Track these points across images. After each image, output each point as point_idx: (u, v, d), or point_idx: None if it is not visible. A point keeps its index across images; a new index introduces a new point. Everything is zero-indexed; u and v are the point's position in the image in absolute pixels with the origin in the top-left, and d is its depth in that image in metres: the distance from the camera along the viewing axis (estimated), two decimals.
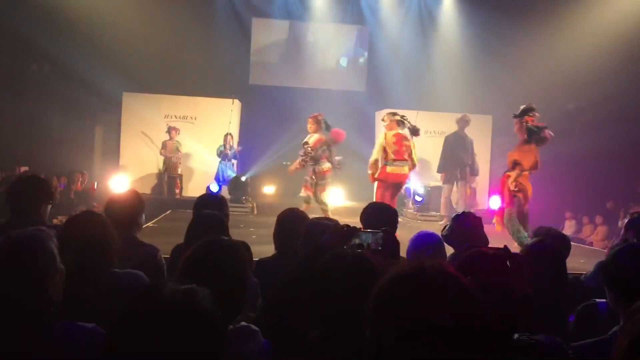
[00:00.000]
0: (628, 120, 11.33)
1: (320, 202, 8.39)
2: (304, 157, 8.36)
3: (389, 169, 7.93)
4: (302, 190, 8.51)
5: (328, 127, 8.58)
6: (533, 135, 6.98)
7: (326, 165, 8.40)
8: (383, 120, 8.33)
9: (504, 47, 13.01)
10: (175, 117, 13.03)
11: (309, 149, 8.33)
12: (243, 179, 11.74)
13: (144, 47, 12.91)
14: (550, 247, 2.62)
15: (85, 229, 2.50)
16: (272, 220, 3.56)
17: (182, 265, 1.92)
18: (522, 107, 7.12)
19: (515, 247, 4.49)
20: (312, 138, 8.46)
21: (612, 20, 11.43)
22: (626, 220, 3.79)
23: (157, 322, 1.09)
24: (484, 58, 13.24)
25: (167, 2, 13.52)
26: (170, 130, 12.41)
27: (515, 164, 7.15)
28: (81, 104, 13.02)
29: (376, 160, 8.02)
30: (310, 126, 8.57)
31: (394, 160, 7.87)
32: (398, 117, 8.11)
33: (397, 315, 1.06)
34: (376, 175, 8.01)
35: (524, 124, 7.08)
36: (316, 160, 8.35)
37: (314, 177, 8.36)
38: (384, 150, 7.94)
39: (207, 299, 1.17)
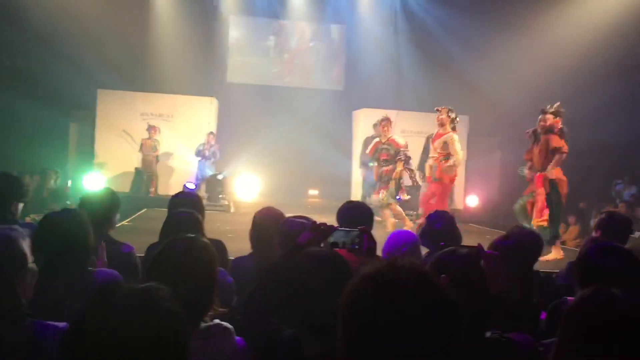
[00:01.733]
0: (601, 120, 11.53)
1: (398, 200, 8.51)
2: (405, 160, 8.50)
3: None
4: (383, 194, 8.48)
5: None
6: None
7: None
8: (441, 112, 7.97)
9: (480, 47, 13.16)
10: (152, 114, 12.91)
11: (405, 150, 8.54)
12: (220, 177, 11.68)
13: (120, 44, 12.78)
14: (514, 243, 2.65)
15: (61, 227, 2.47)
16: (249, 218, 3.55)
17: (149, 264, 1.91)
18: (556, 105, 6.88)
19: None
20: (401, 140, 8.66)
21: (586, 22, 11.63)
22: (596, 220, 3.86)
23: (112, 322, 1.07)
24: (460, 58, 13.37)
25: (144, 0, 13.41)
26: (150, 129, 12.29)
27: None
28: (55, 100, 12.80)
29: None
30: (385, 129, 8.74)
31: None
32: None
33: (367, 314, 1.06)
34: (444, 176, 7.77)
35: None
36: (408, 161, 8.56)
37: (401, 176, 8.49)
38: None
39: (167, 297, 1.15)
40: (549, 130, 6.62)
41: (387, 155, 8.63)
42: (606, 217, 3.77)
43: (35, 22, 11.65)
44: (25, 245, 1.85)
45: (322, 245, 2.28)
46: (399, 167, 8.44)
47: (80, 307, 1.15)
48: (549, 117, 6.66)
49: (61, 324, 1.82)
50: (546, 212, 6.56)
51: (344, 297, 1.12)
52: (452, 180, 7.88)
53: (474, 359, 1.58)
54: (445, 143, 7.71)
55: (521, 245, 2.68)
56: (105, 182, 11.67)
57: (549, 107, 6.74)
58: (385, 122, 8.70)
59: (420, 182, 8.48)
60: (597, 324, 1.36)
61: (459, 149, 7.72)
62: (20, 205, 3.56)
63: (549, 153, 6.58)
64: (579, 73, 11.55)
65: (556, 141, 6.60)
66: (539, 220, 6.53)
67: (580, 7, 11.97)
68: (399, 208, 8.32)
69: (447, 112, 7.79)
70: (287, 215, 3.46)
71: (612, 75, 11.44)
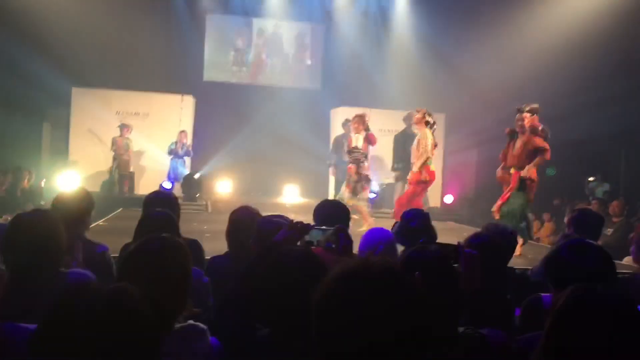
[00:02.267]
0: (573, 118, 11.70)
1: (362, 200, 8.39)
2: (359, 159, 8.37)
3: (432, 167, 7.86)
4: (346, 191, 8.39)
5: (368, 129, 8.65)
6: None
7: (367, 164, 8.52)
8: (417, 116, 7.91)
9: (456, 45, 13.26)
10: (127, 113, 12.77)
11: (359, 152, 8.40)
12: (196, 176, 11.61)
13: (95, 42, 12.62)
14: (488, 240, 2.69)
15: (33, 227, 2.42)
16: (226, 217, 3.53)
17: (121, 264, 1.89)
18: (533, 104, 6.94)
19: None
20: (359, 140, 8.49)
21: (556, 24, 11.81)
22: (569, 217, 3.92)
23: (79, 322, 1.06)
24: (437, 56, 13.46)
25: None
26: (122, 127, 12.15)
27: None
28: (27, 99, 12.58)
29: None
30: (355, 126, 8.56)
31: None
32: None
33: (340, 312, 1.06)
34: (425, 175, 7.72)
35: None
36: (364, 160, 8.47)
37: (356, 178, 8.38)
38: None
39: (135, 298, 1.14)
40: (533, 130, 6.69)
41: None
42: (578, 214, 3.83)
43: (6, 19, 11.43)
44: None
45: (298, 244, 2.28)
46: (351, 166, 8.47)
47: (48, 307, 1.13)
48: (526, 115, 6.73)
49: (32, 326, 1.78)
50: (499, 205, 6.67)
51: (317, 295, 1.12)
52: (431, 176, 7.86)
53: (447, 354, 1.59)
54: (418, 142, 7.75)
55: (495, 241, 2.71)
56: (79, 181, 11.52)
57: (524, 106, 6.81)
58: (356, 119, 8.65)
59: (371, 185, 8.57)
60: (586, 322, 1.38)
61: (430, 144, 7.69)
62: None
63: (531, 152, 6.64)
64: (554, 71, 11.70)
65: (540, 142, 6.69)
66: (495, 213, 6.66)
67: (556, 6, 12.13)
68: (361, 207, 8.28)
69: (424, 114, 7.79)
70: (264, 214, 3.45)
71: (586, 73, 11.61)
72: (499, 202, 6.77)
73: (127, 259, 1.86)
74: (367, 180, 8.48)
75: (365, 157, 8.49)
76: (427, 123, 7.80)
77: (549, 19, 12.03)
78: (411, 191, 7.79)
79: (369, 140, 8.58)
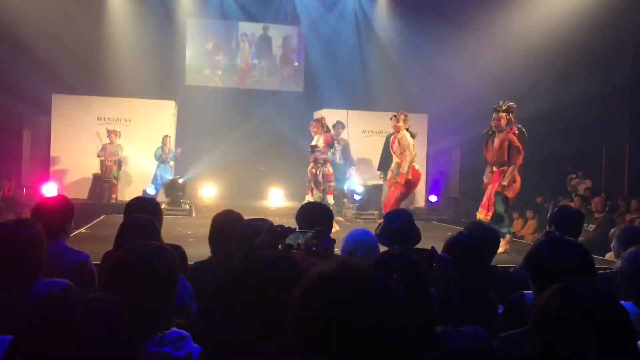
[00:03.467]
0: (554, 116, 11.83)
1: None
2: (318, 160, 8.42)
3: (417, 167, 7.88)
4: (309, 196, 8.47)
5: (328, 130, 8.77)
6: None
7: (330, 168, 8.58)
8: (398, 119, 7.86)
9: (439, 46, 13.33)
10: (109, 119, 12.68)
11: (319, 151, 8.44)
12: (180, 181, 11.55)
13: (75, 47, 12.50)
14: (471, 239, 2.71)
15: (13, 236, 2.39)
16: (210, 222, 3.52)
17: (105, 272, 1.87)
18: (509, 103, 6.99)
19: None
20: (320, 140, 8.54)
21: (536, 22, 11.93)
22: (550, 214, 3.96)
23: (59, 332, 1.05)
24: (419, 56, 13.52)
25: (98, 1, 13.16)
26: (110, 133, 12.05)
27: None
28: (6, 106, 12.43)
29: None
30: (315, 130, 8.68)
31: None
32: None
33: (316, 315, 1.06)
34: (410, 176, 7.71)
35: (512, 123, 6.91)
36: (324, 163, 8.48)
37: (320, 181, 8.46)
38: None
39: (115, 306, 1.13)
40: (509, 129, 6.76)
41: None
42: (558, 211, 3.87)
43: None
44: None
45: (279, 247, 2.28)
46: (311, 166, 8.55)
47: (26, 317, 1.12)
48: (502, 115, 6.79)
49: (8, 337, 1.76)
50: (492, 210, 6.71)
51: (294, 298, 1.12)
52: (417, 176, 7.88)
53: (425, 355, 1.60)
54: (399, 143, 7.78)
55: (477, 240, 2.73)
56: (62, 189, 11.39)
57: (501, 104, 6.87)
58: (314, 123, 8.80)
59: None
60: (568, 320, 1.40)
61: (412, 144, 7.73)
62: None
63: (509, 149, 6.69)
64: (534, 68, 11.82)
65: (516, 141, 6.76)
66: (483, 216, 6.68)
67: (536, 4, 12.24)
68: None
69: (404, 119, 7.79)
70: (248, 217, 3.44)
71: (566, 70, 11.74)
72: (487, 213, 6.75)
73: (111, 266, 1.84)
74: (329, 181, 8.53)
75: (324, 161, 8.53)
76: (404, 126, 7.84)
77: (529, 16, 12.14)
78: (399, 192, 7.78)
79: (326, 140, 8.65)
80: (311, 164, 8.58)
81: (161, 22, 14.12)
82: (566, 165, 12.96)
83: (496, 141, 6.82)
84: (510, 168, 6.69)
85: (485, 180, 6.97)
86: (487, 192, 6.81)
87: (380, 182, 11.16)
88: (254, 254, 1.94)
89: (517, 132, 6.84)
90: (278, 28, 15.44)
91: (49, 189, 10.92)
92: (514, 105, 6.90)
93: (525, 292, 2.70)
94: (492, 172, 6.91)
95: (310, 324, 1.06)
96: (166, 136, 12.05)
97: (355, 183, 11.40)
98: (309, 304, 1.08)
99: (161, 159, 11.96)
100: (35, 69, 11.80)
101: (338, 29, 15.02)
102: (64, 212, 3.26)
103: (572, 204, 9.04)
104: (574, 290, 1.46)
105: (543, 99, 11.65)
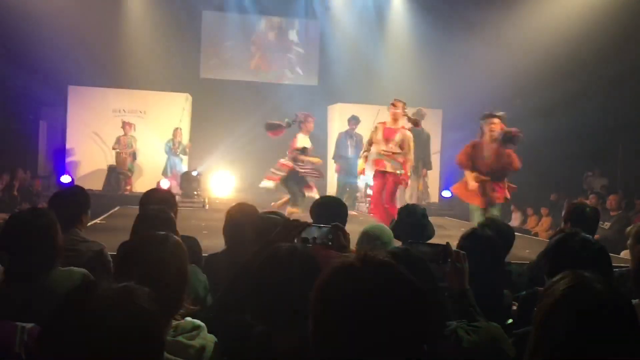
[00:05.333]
0: (572, 112, 11.71)
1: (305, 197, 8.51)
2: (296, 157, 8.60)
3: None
4: (268, 181, 8.54)
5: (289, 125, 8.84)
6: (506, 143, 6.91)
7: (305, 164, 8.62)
8: (396, 107, 7.66)
9: (454, 41, 13.24)
10: (124, 110, 12.76)
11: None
12: (194, 173, 11.60)
13: (91, 40, 12.56)
14: (485, 235, 2.69)
15: (28, 226, 2.42)
16: (224, 215, 3.53)
17: (118, 262, 1.89)
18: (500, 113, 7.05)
19: None
20: (300, 141, 8.74)
21: (554, 18, 11.80)
22: (565, 211, 3.93)
23: (90, 322, 1.06)
24: (434, 52, 13.44)
25: None
26: (124, 125, 12.14)
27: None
28: (24, 98, 12.56)
29: None
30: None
31: None
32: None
33: (337, 307, 1.07)
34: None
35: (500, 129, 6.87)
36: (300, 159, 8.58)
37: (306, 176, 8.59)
38: None
39: (144, 296, 1.15)
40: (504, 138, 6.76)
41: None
42: (574, 209, 3.84)
43: (3, 16, 11.39)
44: None
45: (295, 241, 2.28)
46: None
47: (57, 306, 1.13)
48: (497, 121, 6.81)
49: (28, 325, 1.79)
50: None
51: (314, 291, 1.12)
52: (406, 180, 7.81)
53: (438, 348, 1.60)
54: (403, 140, 7.48)
55: (491, 237, 2.72)
56: (77, 180, 11.50)
57: (493, 112, 6.93)
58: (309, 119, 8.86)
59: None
60: (574, 312, 1.39)
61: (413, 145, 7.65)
62: None
63: (505, 165, 6.65)
64: (551, 64, 11.69)
65: (515, 163, 6.79)
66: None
67: (550, 6, 12.13)
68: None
69: (403, 107, 7.62)
70: (262, 211, 3.45)
71: (583, 67, 11.61)
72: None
73: (125, 256, 1.86)
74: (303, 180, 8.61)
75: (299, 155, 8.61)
76: (410, 120, 7.71)
77: (547, 12, 12.01)
78: (393, 190, 7.67)
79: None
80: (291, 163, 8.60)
81: (177, 14, 14.14)
82: (582, 162, 12.84)
83: (489, 152, 6.82)
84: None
85: (473, 186, 6.85)
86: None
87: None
88: (271, 246, 1.94)
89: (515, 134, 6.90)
90: (294, 22, 15.41)
91: (65, 180, 11.02)
92: (504, 115, 6.99)
93: (539, 288, 2.68)
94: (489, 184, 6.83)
95: (331, 312, 1.07)
96: (177, 129, 12.11)
97: (370, 178, 11.36)
98: (331, 293, 1.09)
99: (171, 151, 12.04)
100: (52, 61, 11.88)
101: (354, 23, 14.96)
102: (80, 203, 3.30)
103: (587, 202, 8.97)
104: (586, 282, 1.44)
105: (559, 94, 11.54)
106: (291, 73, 15.58)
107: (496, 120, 6.81)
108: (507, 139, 6.70)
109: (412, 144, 7.51)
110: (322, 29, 15.38)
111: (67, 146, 12.65)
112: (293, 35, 15.58)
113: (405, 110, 7.57)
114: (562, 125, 11.50)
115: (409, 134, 7.55)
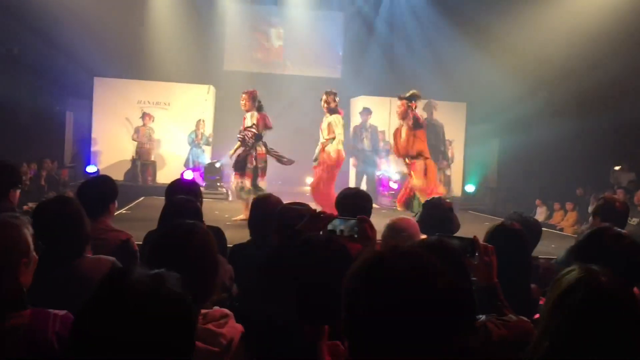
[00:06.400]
0: (598, 108, 11.51)
1: (258, 189, 7.46)
2: (249, 138, 7.66)
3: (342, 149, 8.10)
4: (236, 180, 7.71)
5: (261, 108, 7.93)
6: (417, 126, 7.12)
7: (263, 148, 7.81)
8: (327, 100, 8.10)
9: (479, 34, 13.09)
10: (149, 102, 12.88)
11: (253, 130, 7.67)
12: (217, 165, 11.67)
13: (117, 32, 12.68)
14: (512, 229, 2.66)
15: (57, 214, 2.45)
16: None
17: (149, 249, 1.90)
18: (412, 91, 7.24)
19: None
20: (254, 117, 7.79)
21: (586, 12, 11.56)
22: (594, 206, 3.86)
23: (125, 308, 1.07)
24: (458, 45, 13.30)
25: None
26: (144, 116, 12.28)
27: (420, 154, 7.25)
28: (52, 89, 12.74)
29: None
30: (245, 103, 7.87)
31: None
32: None
33: (372, 298, 1.07)
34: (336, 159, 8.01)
35: (411, 110, 7.16)
36: (256, 142, 7.71)
37: (254, 162, 7.69)
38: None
39: (176, 283, 1.15)
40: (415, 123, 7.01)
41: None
42: (604, 203, 3.77)
43: (31, 10, 11.54)
44: (28, 233, 1.85)
45: (321, 233, 2.28)
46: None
47: (90, 293, 1.14)
48: (402, 104, 7.01)
49: (61, 312, 1.81)
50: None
51: (347, 281, 1.12)
52: (338, 163, 7.87)
53: (467, 341, 1.59)
54: (329, 124, 7.75)
55: (519, 231, 2.68)
56: (102, 170, 11.65)
57: (406, 93, 7.15)
58: (244, 95, 7.97)
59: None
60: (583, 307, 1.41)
61: (341, 131, 7.78)
62: (17, 192, 3.53)
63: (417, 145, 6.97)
64: (578, 57, 11.49)
65: (422, 144, 6.95)
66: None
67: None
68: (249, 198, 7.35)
69: (333, 99, 8.06)
70: (285, 202, 3.45)
71: (613, 60, 11.38)
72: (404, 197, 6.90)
73: (156, 244, 1.87)
74: (263, 162, 7.78)
75: (257, 137, 7.72)
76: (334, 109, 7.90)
77: (579, 4, 11.77)
78: (324, 175, 7.76)
79: (264, 122, 7.82)
80: (238, 144, 7.80)
81: (202, 6, 14.20)
82: (608, 157, 12.62)
83: (403, 134, 7.13)
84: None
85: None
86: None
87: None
88: (300, 237, 1.94)
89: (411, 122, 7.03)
90: (318, 14, 15.37)
91: (91, 170, 11.17)
92: (417, 93, 7.15)
93: None
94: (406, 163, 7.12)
95: (363, 303, 1.07)
96: (200, 120, 12.19)
97: (392, 171, 11.33)
98: (363, 283, 1.09)
99: (194, 143, 12.12)
100: (79, 53, 12.03)
101: (377, 15, 14.87)
102: (108, 192, 3.33)
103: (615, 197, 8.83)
104: (593, 274, 1.48)
105: (584, 87, 11.34)
106: (314, 65, 15.55)
107: (400, 102, 7.09)
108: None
109: (335, 126, 7.80)
110: (345, 21, 15.32)
111: (93, 136, 12.81)
112: (317, 28, 15.54)
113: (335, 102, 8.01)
114: (589, 120, 11.31)
115: (331, 117, 7.88)
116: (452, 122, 11.30)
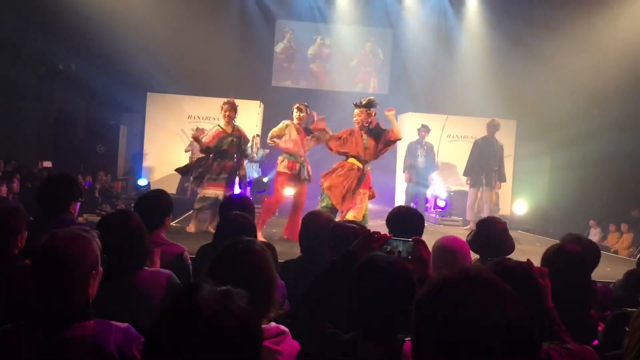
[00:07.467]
0: None
1: None
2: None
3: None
4: (209, 189, 7.68)
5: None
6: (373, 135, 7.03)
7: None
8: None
9: (528, 52, 12.91)
10: (199, 117, 13.14)
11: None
12: (265, 180, 11.78)
13: (169, 48, 13.04)
14: (571, 252, 2.58)
15: (122, 228, 2.52)
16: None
17: (211, 265, 1.94)
18: (369, 98, 7.12)
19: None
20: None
21: (637, 29, 11.28)
22: None
23: (196, 323, 1.10)
24: (508, 63, 13.14)
25: (192, 3, 13.67)
26: (198, 131, 12.50)
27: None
28: (106, 103, 13.18)
29: None
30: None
31: None
32: None
33: (440, 321, 1.06)
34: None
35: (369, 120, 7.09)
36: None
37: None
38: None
39: (244, 299, 1.18)
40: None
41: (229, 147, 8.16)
42: None
43: (88, 29, 12.01)
44: (97, 245, 1.91)
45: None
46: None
47: (164, 306, 1.17)
48: (363, 110, 7.02)
49: (122, 324, 1.86)
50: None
51: (417, 306, 1.12)
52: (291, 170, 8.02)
53: None
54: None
55: (579, 254, 2.61)
56: (153, 184, 11.91)
57: (362, 100, 7.09)
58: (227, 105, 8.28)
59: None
60: None
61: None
62: (78, 205, 3.64)
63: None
64: (630, 75, 11.18)
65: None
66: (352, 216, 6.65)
67: (631, 17, 11.61)
68: None
69: (305, 109, 8.15)
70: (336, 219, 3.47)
71: None
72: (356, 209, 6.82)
73: (217, 260, 1.91)
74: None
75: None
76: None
77: (629, 21, 11.49)
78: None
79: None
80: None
81: (251, 22, 14.48)
82: None
83: (369, 141, 7.11)
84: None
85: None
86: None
87: (465, 188, 10.91)
88: (355, 257, 1.94)
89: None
90: (364, 30, 15.44)
91: (142, 183, 11.43)
92: (374, 100, 7.08)
93: (628, 310, 2.56)
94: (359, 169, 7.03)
95: (434, 328, 1.07)
96: (255, 135, 12.35)
97: (439, 189, 11.22)
98: (433, 309, 1.08)
99: (250, 158, 12.25)
100: (133, 69, 12.41)
101: (425, 32, 14.83)
102: (164, 206, 3.41)
103: None
104: None
105: (638, 107, 11.02)
106: (361, 82, 15.60)
107: (356, 110, 7.07)
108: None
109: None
110: (395, 38, 15.33)
111: (144, 150, 13.14)
112: (365, 44, 15.61)
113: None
114: None
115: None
116: (501, 139, 11.09)
